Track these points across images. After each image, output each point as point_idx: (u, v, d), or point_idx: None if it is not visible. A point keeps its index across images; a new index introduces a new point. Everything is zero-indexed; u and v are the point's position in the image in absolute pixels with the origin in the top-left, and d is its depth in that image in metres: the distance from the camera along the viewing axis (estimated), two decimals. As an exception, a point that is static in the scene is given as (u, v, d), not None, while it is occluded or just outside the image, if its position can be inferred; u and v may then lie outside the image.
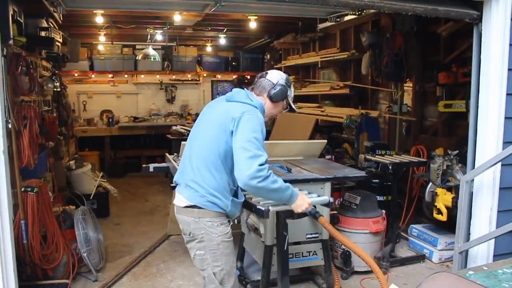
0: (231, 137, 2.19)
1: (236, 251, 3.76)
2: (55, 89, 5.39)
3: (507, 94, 3.00)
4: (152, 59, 8.41)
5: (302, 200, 2.38)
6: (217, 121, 2.26)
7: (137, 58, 8.74)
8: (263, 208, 2.39)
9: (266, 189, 2.13)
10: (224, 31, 7.83)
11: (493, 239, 3.03)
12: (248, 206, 2.57)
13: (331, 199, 2.69)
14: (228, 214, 2.33)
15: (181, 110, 9.58)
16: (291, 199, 2.31)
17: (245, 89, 2.44)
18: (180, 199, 2.33)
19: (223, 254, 2.28)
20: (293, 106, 2.51)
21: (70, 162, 5.77)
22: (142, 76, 9.25)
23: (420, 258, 4.21)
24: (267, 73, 2.46)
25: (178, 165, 3.56)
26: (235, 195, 2.34)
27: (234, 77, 9.93)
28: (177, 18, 5.72)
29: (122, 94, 9.28)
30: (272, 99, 2.40)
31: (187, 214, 2.28)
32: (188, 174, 2.31)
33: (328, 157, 5.05)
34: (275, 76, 2.42)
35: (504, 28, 2.95)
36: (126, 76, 9.21)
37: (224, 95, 2.47)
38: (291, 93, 2.48)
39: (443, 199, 3.66)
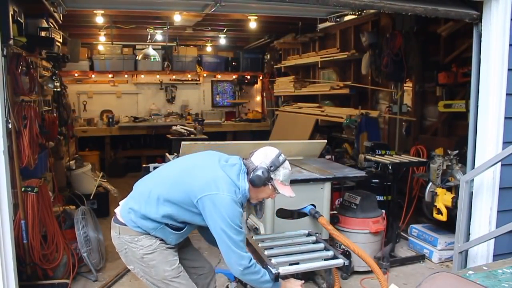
0: (192, 198, 2.09)
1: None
2: (55, 89, 5.39)
3: (507, 94, 3.00)
4: (152, 59, 8.39)
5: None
6: (194, 179, 2.13)
7: (137, 58, 8.73)
8: (273, 271, 2.24)
9: (248, 278, 2.17)
10: (224, 31, 7.83)
11: (493, 239, 3.03)
12: (259, 259, 2.46)
13: (347, 262, 2.46)
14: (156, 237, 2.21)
15: (181, 110, 9.58)
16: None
17: (243, 161, 2.24)
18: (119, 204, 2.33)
19: (149, 266, 2.21)
20: (281, 191, 2.21)
21: (70, 162, 5.77)
22: (142, 76, 9.25)
23: (420, 258, 4.21)
24: (252, 153, 2.24)
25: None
26: (177, 229, 2.22)
27: (234, 77, 9.93)
28: (177, 18, 5.73)
29: (122, 94, 9.28)
30: (252, 184, 2.18)
31: (113, 228, 2.27)
32: (138, 187, 2.30)
33: (328, 157, 5.05)
34: (259, 158, 2.19)
35: (504, 28, 2.95)
36: (126, 76, 9.20)
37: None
38: (280, 175, 2.19)
39: (443, 199, 3.66)
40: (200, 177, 2.13)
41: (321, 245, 2.64)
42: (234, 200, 2.08)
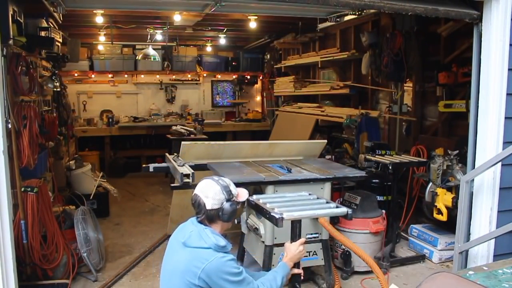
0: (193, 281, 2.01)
1: (237, 251, 3.77)
2: (55, 89, 5.39)
3: (507, 94, 3.00)
4: (152, 59, 8.41)
5: (292, 254, 2.31)
6: (180, 278, 2.04)
7: (137, 58, 8.74)
8: (277, 216, 2.24)
9: None
10: (224, 31, 7.83)
11: (493, 239, 3.03)
12: (262, 212, 2.45)
13: (350, 211, 2.47)
14: None
15: (181, 110, 9.58)
16: (286, 270, 2.27)
17: (195, 223, 2.16)
18: None
19: None
20: (241, 199, 2.21)
21: (70, 162, 5.77)
22: (142, 76, 9.26)
23: (420, 258, 4.21)
24: (197, 195, 2.14)
25: (178, 165, 3.56)
26: None
27: (234, 77, 9.94)
28: (177, 18, 5.73)
29: (122, 94, 9.28)
30: (228, 221, 2.15)
31: None
32: None
33: (328, 157, 5.06)
34: (210, 202, 2.09)
35: (504, 28, 2.95)
36: (126, 76, 9.21)
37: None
38: (235, 192, 2.19)
39: (443, 199, 3.66)
40: (182, 259, 2.08)
41: (323, 201, 2.66)
42: (222, 256, 2.02)
